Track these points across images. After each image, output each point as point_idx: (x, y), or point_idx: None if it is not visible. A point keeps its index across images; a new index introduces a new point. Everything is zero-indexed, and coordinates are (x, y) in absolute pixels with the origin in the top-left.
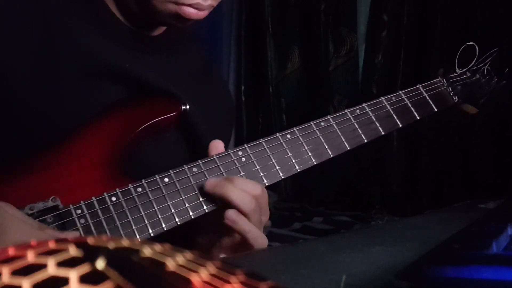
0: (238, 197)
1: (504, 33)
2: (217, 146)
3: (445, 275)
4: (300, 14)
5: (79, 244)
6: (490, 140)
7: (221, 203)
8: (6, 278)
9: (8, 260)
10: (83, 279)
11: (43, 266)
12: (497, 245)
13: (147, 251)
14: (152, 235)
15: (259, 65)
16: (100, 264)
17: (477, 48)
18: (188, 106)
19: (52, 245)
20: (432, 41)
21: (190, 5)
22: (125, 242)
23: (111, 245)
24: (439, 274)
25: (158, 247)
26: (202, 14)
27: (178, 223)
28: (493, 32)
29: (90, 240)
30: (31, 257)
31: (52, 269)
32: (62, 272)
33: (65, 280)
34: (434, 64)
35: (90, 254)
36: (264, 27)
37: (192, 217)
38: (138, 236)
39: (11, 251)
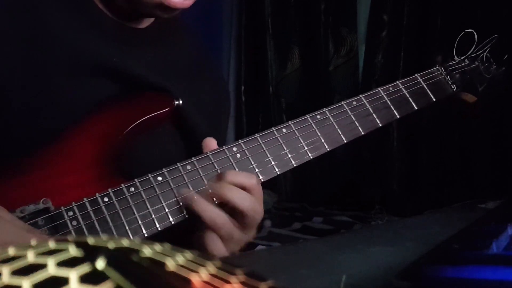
0: (235, 197)
1: (503, 20)
2: (209, 145)
3: (445, 275)
4: (300, 14)
5: (79, 244)
6: (490, 140)
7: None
8: (6, 278)
9: (8, 260)
10: (83, 279)
11: (43, 266)
12: (497, 245)
13: (147, 251)
14: (146, 235)
15: (259, 65)
16: (100, 264)
17: (475, 35)
18: (181, 101)
19: (52, 245)
20: (432, 41)
21: None
22: (125, 242)
23: (111, 245)
24: (439, 274)
25: (158, 247)
26: (187, 3)
27: (172, 222)
28: (492, 22)
29: (90, 240)
30: (31, 257)
31: (52, 269)
32: (62, 272)
33: (65, 280)
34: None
35: (90, 254)
36: (264, 27)
37: (187, 216)
38: (132, 237)
39: (11, 251)
